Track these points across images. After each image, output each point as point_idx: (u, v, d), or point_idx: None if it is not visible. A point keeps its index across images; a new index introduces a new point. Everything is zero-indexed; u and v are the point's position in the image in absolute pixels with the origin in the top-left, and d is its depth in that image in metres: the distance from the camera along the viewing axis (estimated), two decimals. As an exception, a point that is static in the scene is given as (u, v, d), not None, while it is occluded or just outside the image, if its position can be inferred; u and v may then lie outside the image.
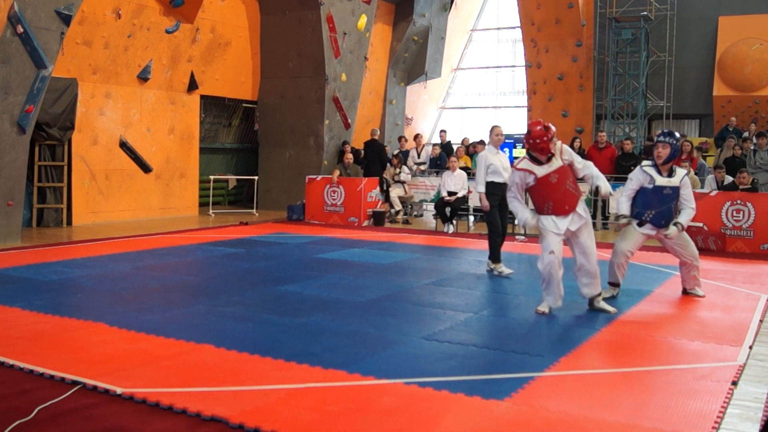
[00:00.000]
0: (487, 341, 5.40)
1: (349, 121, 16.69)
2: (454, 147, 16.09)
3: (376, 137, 15.04)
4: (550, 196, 6.36)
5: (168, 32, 13.83)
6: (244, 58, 16.19)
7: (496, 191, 8.31)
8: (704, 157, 14.59)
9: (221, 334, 5.43)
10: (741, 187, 10.98)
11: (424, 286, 7.53)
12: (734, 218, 10.67)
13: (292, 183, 16.00)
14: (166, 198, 14.56)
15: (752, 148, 12.84)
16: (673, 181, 6.82)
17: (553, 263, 6.28)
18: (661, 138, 6.87)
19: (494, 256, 8.47)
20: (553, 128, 6.37)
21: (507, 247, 10.78)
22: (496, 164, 8.34)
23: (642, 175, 6.87)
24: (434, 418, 3.85)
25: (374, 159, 14.55)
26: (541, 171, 6.38)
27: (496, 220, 8.45)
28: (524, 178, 6.45)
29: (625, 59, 19.89)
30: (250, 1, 15.96)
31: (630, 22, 19.57)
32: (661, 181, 6.79)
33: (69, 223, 12.62)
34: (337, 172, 14.02)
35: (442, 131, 17.32)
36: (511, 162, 12.50)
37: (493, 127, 8.59)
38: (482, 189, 8.34)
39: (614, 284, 7.03)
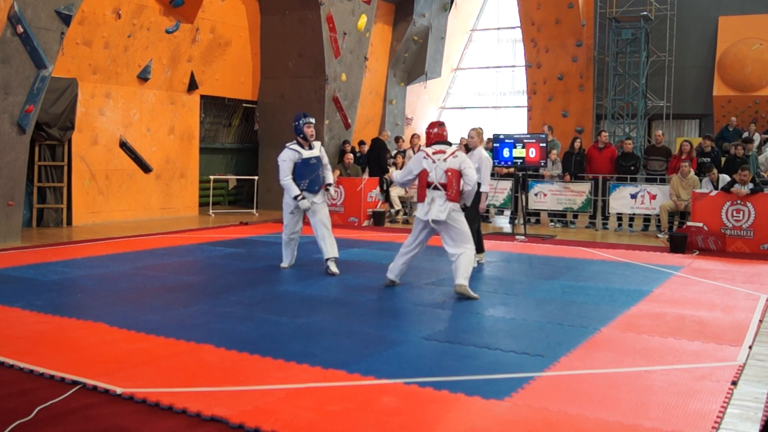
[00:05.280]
0: (487, 341, 5.39)
1: (349, 121, 16.68)
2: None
3: (383, 137, 15.14)
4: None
5: (168, 32, 13.83)
6: (244, 58, 16.18)
7: None
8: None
9: (221, 334, 5.43)
10: (743, 185, 10.72)
11: (424, 286, 7.54)
12: (734, 218, 10.67)
13: (292, 183, 15.99)
14: (166, 198, 14.56)
15: (754, 150, 12.77)
16: (314, 152, 8.36)
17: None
18: (306, 120, 8.42)
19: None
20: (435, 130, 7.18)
21: (506, 246, 10.81)
22: None
23: (290, 153, 8.28)
24: (434, 418, 3.85)
25: (375, 158, 14.63)
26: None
27: None
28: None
29: (625, 59, 19.89)
30: (250, 1, 15.96)
31: (630, 22, 19.56)
32: (307, 153, 8.31)
33: (69, 223, 12.62)
34: (337, 172, 13.99)
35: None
36: (506, 161, 12.60)
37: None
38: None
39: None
